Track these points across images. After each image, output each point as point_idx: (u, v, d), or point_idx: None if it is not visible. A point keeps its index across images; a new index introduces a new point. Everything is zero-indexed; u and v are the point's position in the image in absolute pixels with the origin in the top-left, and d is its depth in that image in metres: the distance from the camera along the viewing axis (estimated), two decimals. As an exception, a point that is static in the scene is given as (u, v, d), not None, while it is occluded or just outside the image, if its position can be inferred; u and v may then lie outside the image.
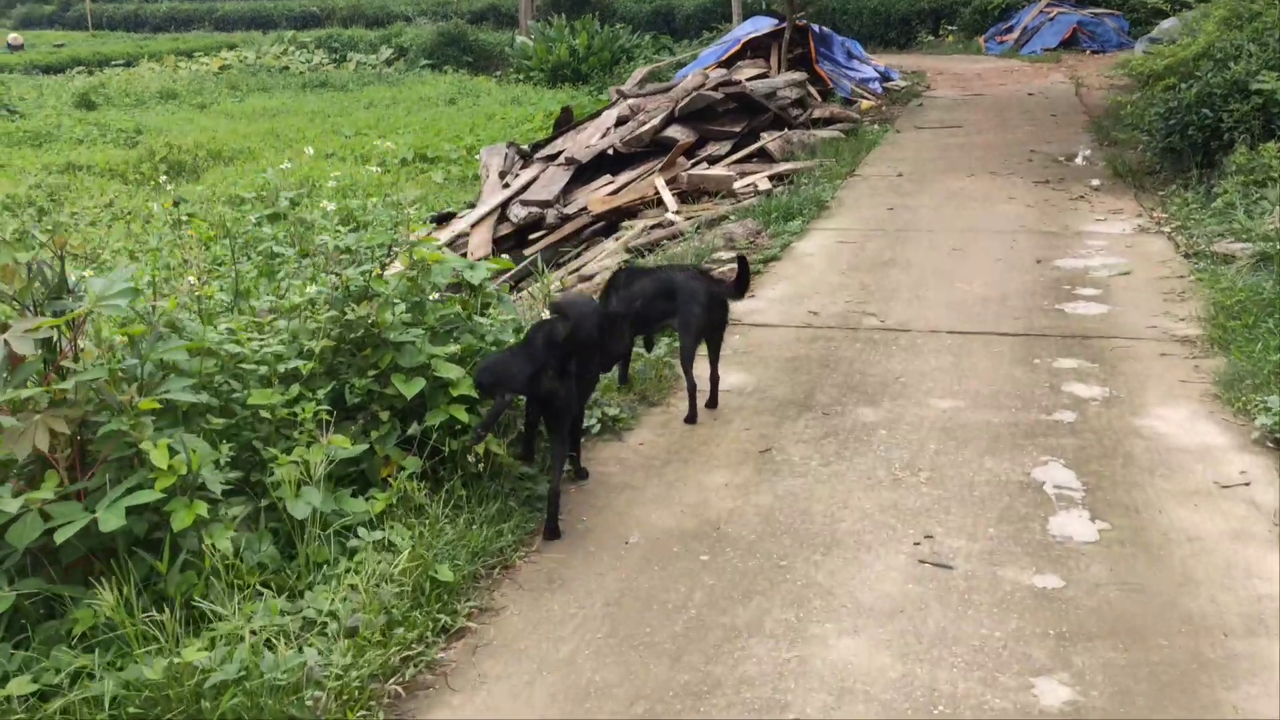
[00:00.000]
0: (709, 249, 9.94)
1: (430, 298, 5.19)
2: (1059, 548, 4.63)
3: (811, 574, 4.49)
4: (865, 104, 19.31)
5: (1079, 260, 9.10)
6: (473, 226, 13.64)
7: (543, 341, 4.83)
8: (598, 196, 13.08)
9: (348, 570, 4.15)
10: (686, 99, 14.68)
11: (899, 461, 5.46)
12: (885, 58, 26.16)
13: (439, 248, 5.75)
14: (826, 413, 6.10)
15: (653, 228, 11.97)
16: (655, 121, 14.32)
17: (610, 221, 12.70)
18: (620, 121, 15.05)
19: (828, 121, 16.99)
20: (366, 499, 4.55)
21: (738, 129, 14.63)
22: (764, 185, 12.44)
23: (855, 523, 4.89)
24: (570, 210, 13.22)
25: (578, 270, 11.43)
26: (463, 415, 4.77)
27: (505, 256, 12.86)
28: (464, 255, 13.16)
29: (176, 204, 16.46)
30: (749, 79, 16.00)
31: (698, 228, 11.40)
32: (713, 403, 6.24)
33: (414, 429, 4.75)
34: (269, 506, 4.26)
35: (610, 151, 14.21)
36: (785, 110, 16.03)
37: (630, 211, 12.59)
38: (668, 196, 12.37)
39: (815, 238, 10.34)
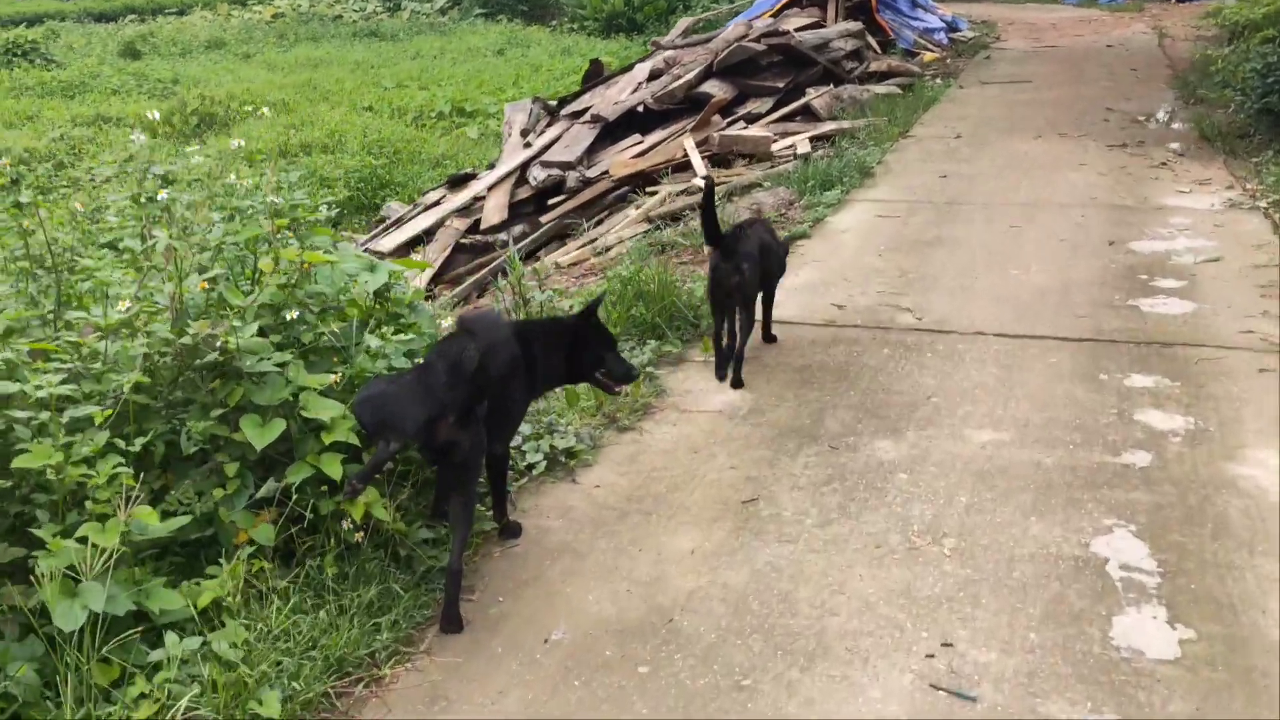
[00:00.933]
0: (731, 221, 8.64)
1: (311, 311, 4.00)
2: (1125, 668, 3.37)
3: (782, 703, 3.28)
4: (928, 56, 17.75)
5: (1158, 242, 7.69)
6: (490, 189, 12.44)
7: (445, 372, 3.63)
8: (621, 159, 11.80)
9: (141, 698, 3.01)
10: (726, 51, 13.29)
11: (919, 521, 4.21)
12: (953, 6, 24.36)
13: (345, 246, 4.56)
14: (835, 446, 4.84)
15: (679, 194, 10.69)
16: (690, 76, 12.97)
17: (636, 187, 11.43)
18: (654, 76, 13.71)
19: (885, 76, 15.52)
20: (203, 583, 3.41)
21: (781, 85, 13.23)
22: (804, 148, 11.08)
23: (852, 617, 3.66)
24: (593, 173, 11.96)
25: (593, 242, 10.21)
26: (335, 469, 3.59)
27: (520, 228, 11.70)
28: (478, 221, 12.03)
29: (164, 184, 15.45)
30: (798, 29, 14.53)
31: (728, 195, 10.11)
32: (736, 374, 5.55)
33: (268, 487, 3.59)
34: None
35: (640, 109, 12.90)
36: (837, 64, 14.58)
37: (655, 176, 11.30)
38: (696, 159, 11.07)
39: (853, 211, 9.00)
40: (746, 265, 5.43)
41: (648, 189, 11.07)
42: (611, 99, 13.35)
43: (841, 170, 9.91)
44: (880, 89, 14.44)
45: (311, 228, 4.23)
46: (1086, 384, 5.40)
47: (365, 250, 12.23)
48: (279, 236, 4.09)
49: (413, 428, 3.55)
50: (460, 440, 3.63)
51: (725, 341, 5.62)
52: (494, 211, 11.90)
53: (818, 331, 6.26)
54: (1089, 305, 6.51)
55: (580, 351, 4.26)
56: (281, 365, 3.74)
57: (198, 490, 3.60)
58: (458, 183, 13.21)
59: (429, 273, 11.28)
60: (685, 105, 12.78)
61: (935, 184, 9.80)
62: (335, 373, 3.81)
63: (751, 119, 12.58)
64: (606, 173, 11.63)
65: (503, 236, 11.67)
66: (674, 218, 9.91)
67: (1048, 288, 6.88)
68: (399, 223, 12.74)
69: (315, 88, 22.39)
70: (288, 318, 3.78)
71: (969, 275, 7.18)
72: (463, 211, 12.40)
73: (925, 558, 3.97)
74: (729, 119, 12.52)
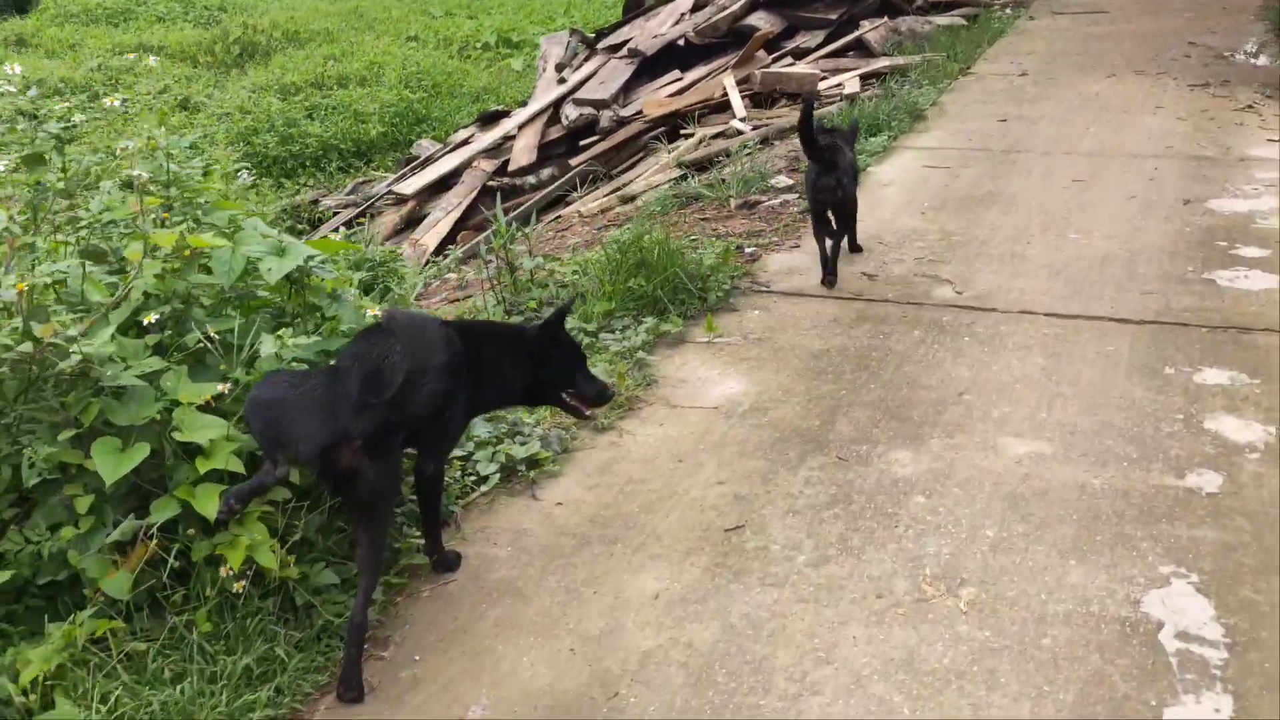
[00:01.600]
0: (763, 172, 7.84)
1: (201, 304, 3.32)
2: (1174, 788, 2.64)
3: (734, 824, 2.59)
4: (997, -15, 16.55)
5: (1241, 201, 6.76)
6: (520, 128, 11.69)
7: (358, 383, 2.94)
8: (655, 98, 10.96)
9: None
10: (775, -21, 12.33)
11: (933, 562, 3.47)
12: (1028, -69, 22.93)
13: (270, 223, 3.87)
14: (844, 457, 4.10)
15: (714, 137, 9.86)
16: (735, 7, 12.04)
17: (671, 127, 10.60)
18: (697, 6, 12.80)
19: (949, 6, 14.44)
20: (32, 650, 2.78)
21: (833, 16, 12.25)
22: (852, 86, 10.16)
23: (837, 698, 2.95)
24: (627, 112, 11.15)
25: (620, 189, 9.44)
26: (210, 505, 2.94)
27: (550, 170, 10.94)
28: (507, 162, 11.29)
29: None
30: (855, -44, 13.50)
31: (764, 139, 9.27)
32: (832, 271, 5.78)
33: (125, 528, 2.94)
34: None
35: (681, 43, 12.02)
36: (898, -7, 13.54)
37: (692, 117, 10.47)
38: (736, 99, 10.21)
39: (899, 160, 8.13)
40: (846, 179, 5.56)
41: (683, 131, 10.25)
42: (651, 31, 12.48)
43: (891, 113, 9.02)
44: (943, 20, 13.41)
45: (217, 202, 3.54)
46: (1148, 379, 4.59)
47: (390, 192, 11.60)
48: (153, 214, 3.41)
49: (307, 451, 2.88)
50: (365, 471, 2.96)
51: (829, 244, 5.78)
52: (523, 152, 11.16)
53: (842, 307, 5.48)
54: (1157, 278, 5.66)
55: (541, 368, 3.54)
56: (156, 374, 3.07)
57: (50, 525, 2.97)
58: (489, 121, 12.47)
59: (451, 218, 10.60)
60: (729, 39, 11.90)
61: (993, 129, 8.87)
62: (224, 382, 3.13)
63: (800, 54, 11.66)
64: (640, 112, 10.81)
65: (531, 179, 10.96)
66: (708, 163, 9.12)
67: (1110, 256, 6.02)
68: (428, 162, 12.05)
69: (361, 16, 21.64)
70: (154, 317, 3.10)
71: (1021, 240, 6.33)
72: (492, 152, 11.68)
73: (936, 614, 3.24)
74: (775, 54, 11.62)
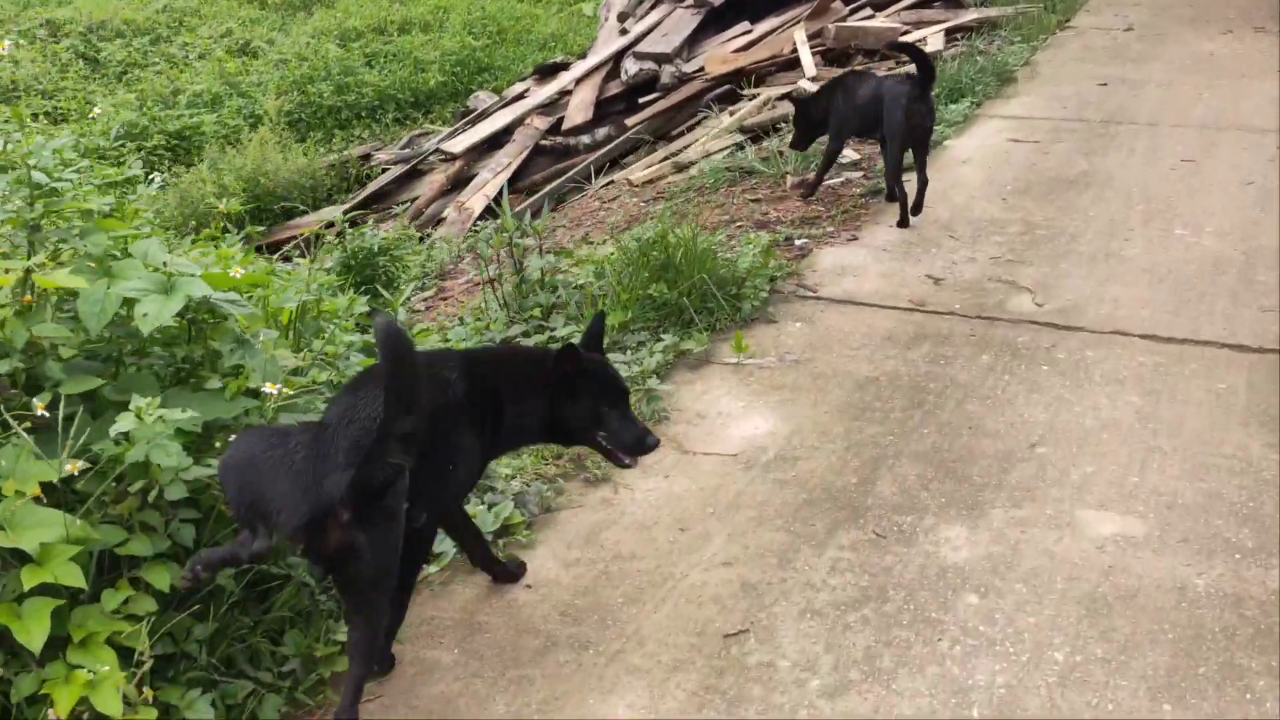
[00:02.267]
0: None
1: (64, 354, 2.62)
2: None
3: None
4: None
5: (1380, 191, 5.77)
6: (577, 83, 10.88)
7: (348, 446, 2.35)
8: (720, 53, 10.06)
9: None
10: (858, -78, 11.28)
11: (982, 700, 2.68)
12: None
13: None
14: (882, 532, 3.30)
15: (781, 98, 8.96)
16: (813, -47, 11.04)
17: (737, 86, 9.71)
18: (772, -49, 11.80)
19: (1050, -50, 13.24)
20: None
21: (921, -38, 11.19)
22: (935, 43, 9.16)
23: None
24: (690, 68, 10.27)
25: (675, 155, 8.62)
26: (35, 632, 2.26)
27: (606, 130, 10.14)
28: (560, 120, 10.51)
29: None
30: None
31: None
32: (917, 208, 5.74)
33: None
34: None
35: (751, -8, 11.08)
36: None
37: (759, 75, 9.57)
38: (806, 56, 9.28)
39: (981, 131, 7.20)
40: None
41: (745, 92, 9.37)
42: (723, -22, 11.52)
43: (976, 75, 8.06)
44: (1042, -34, 12.24)
45: (100, 222, 2.84)
46: (1269, 432, 3.72)
47: (438, 150, 10.88)
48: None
49: (289, 523, 2.23)
50: (361, 546, 2.31)
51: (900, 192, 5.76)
52: (578, 110, 10.36)
53: (899, 320, 4.65)
54: None
55: (559, 405, 2.84)
56: (-14, 451, 2.40)
57: None
58: (547, 74, 11.67)
59: (500, 180, 9.87)
60: (805, -14, 10.91)
61: (1091, 94, 7.87)
62: (74, 460, 2.44)
63: (880, 5, 10.64)
64: (703, 69, 9.93)
65: (585, 139, 10.18)
66: (773, 128, 8.25)
67: (1224, 259, 5.10)
68: (484, 116, 11.30)
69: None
70: (51, 360, 2.41)
71: (1118, 234, 5.42)
72: (547, 108, 10.89)
73: (982, 782, 2.47)
74: (853, 5, 10.61)
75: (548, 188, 9.56)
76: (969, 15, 10.12)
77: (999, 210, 5.80)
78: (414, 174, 10.98)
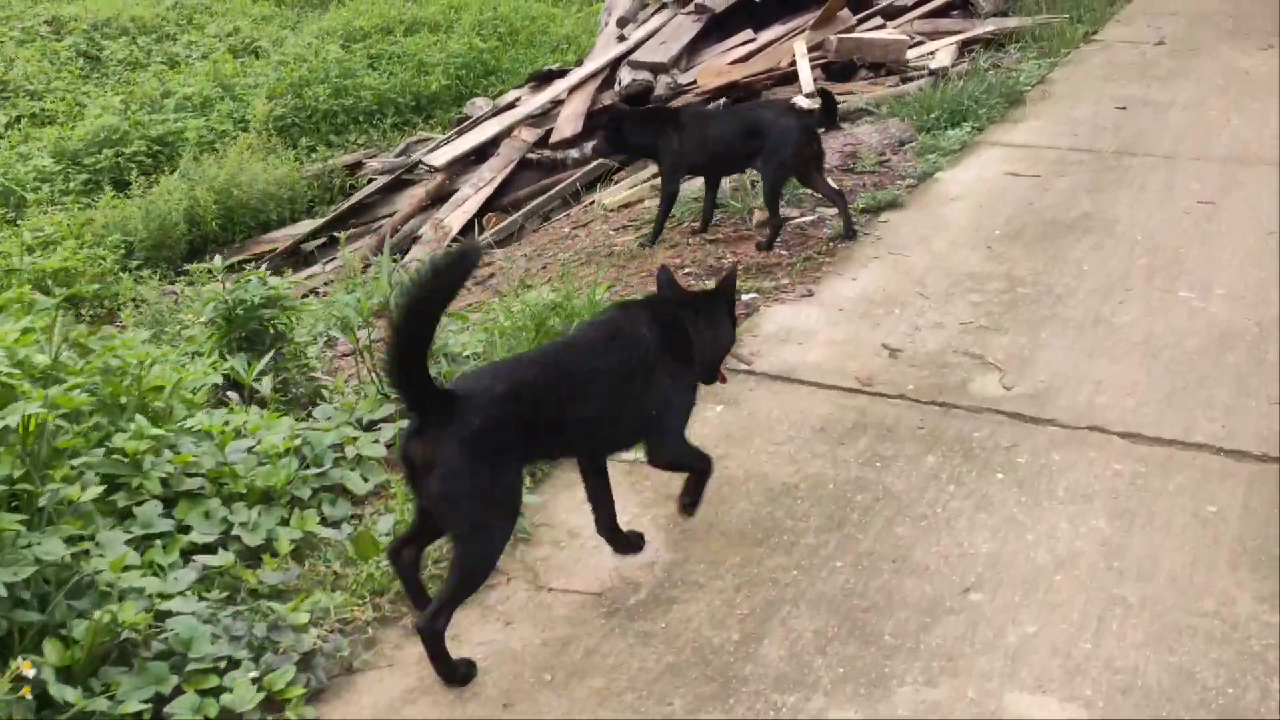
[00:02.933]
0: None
1: None
2: None
3: None
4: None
5: None
6: (570, 92, 10.19)
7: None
8: (713, 65, 9.33)
9: None
10: (874, -77, 10.48)
11: None
12: None
13: None
14: (757, 715, 2.60)
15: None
16: (823, -44, 10.26)
17: (735, 99, 8.98)
18: (782, -46, 11.03)
19: (1086, -48, 12.36)
20: None
21: (938, -33, 10.37)
22: (944, 57, 8.36)
23: None
24: (688, 78, 9.56)
25: (654, 178, 7.92)
26: None
27: (595, 143, 9.43)
28: (550, 132, 9.85)
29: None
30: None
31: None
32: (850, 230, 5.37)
33: None
34: None
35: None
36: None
37: (755, 88, 8.83)
38: (804, 70, 8.52)
39: (979, 161, 6.43)
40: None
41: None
42: (730, -19, 10.77)
43: (982, 95, 7.27)
44: (1075, -30, 11.37)
45: None
46: (1261, 576, 2.97)
47: (421, 163, 10.23)
48: None
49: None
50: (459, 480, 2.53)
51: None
52: (567, 122, 9.68)
53: (838, 405, 3.92)
54: (1297, 376, 3.97)
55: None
56: None
57: None
58: (543, 81, 10.98)
59: (481, 196, 9.23)
60: (813, -9, 10.14)
61: (1108, 119, 7.07)
62: None
63: (892, 13, 9.85)
64: (697, 81, 9.22)
65: (574, 153, 9.49)
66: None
67: (1233, 330, 4.33)
68: (475, 125, 10.65)
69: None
70: None
71: (1113, 295, 4.66)
72: (539, 118, 10.21)
73: None
74: (865, 12, 9.83)
75: (529, 205, 8.92)
76: (986, 26, 9.32)
77: (982, 261, 5.05)
78: (399, 185, 10.35)
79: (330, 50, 13.64)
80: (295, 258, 9.67)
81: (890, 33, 9.04)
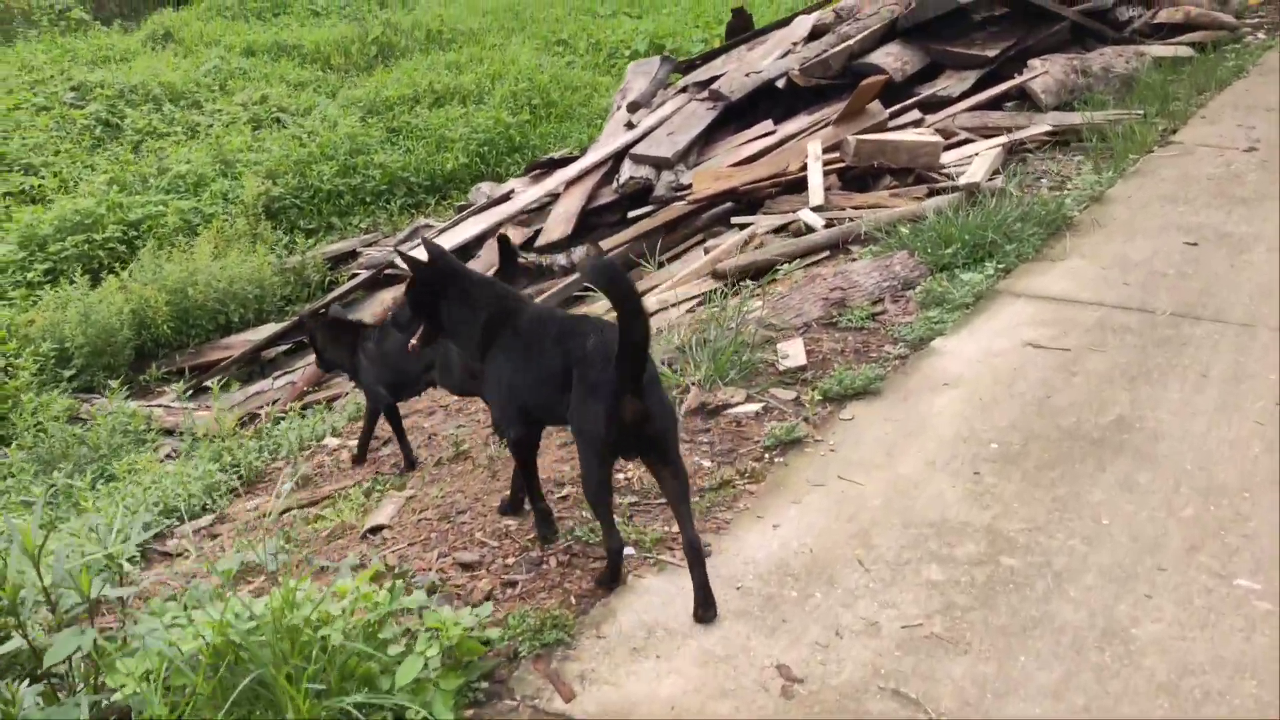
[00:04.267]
0: (775, 326, 4.90)
1: None
2: None
3: None
4: (1252, -2, 12.64)
5: None
6: (568, 186, 8.92)
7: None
8: (711, 168, 7.97)
9: None
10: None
11: None
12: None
13: None
14: None
15: (779, 229, 6.87)
16: (858, 39, 8.86)
17: (744, 204, 7.62)
18: (816, 34, 9.65)
19: (1177, 29, 10.80)
20: None
21: (993, 52, 8.88)
22: (979, 169, 6.87)
23: None
24: (689, 178, 8.21)
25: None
26: None
27: (583, 249, 8.13)
28: (538, 233, 8.59)
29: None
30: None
31: (834, 245, 6.26)
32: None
33: None
34: None
35: (780, 83, 8.94)
36: (1102, 14, 10.01)
37: (758, 196, 7.46)
38: (815, 177, 7.11)
39: (994, 322, 4.95)
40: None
41: (734, 223, 7.28)
42: (750, 64, 9.43)
43: (1012, 223, 5.80)
44: (1160, 50, 9.85)
45: None
46: None
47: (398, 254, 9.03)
48: None
49: None
50: None
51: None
52: (557, 223, 8.42)
53: (676, 797, 2.51)
54: None
55: None
56: None
57: None
58: (545, 170, 9.75)
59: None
60: (846, 81, 8.73)
61: (1170, 260, 5.54)
62: None
63: (933, 105, 8.40)
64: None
65: (561, 260, 8.20)
66: (760, 273, 6.19)
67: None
68: (465, 218, 9.44)
69: (517, 15, 19.17)
70: None
71: (1135, 581, 3.16)
72: (534, 213, 8.97)
73: None
74: (904, 103, 8.40)
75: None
76: (1043, 124, 7.80)
77: (961, 500, 3.59)
78: (386, 282, 9.19)
79: (345, 124, 12.60)
80: (253, 366, 8.54)
81: (921, 133, 7.58)
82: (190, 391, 8.03)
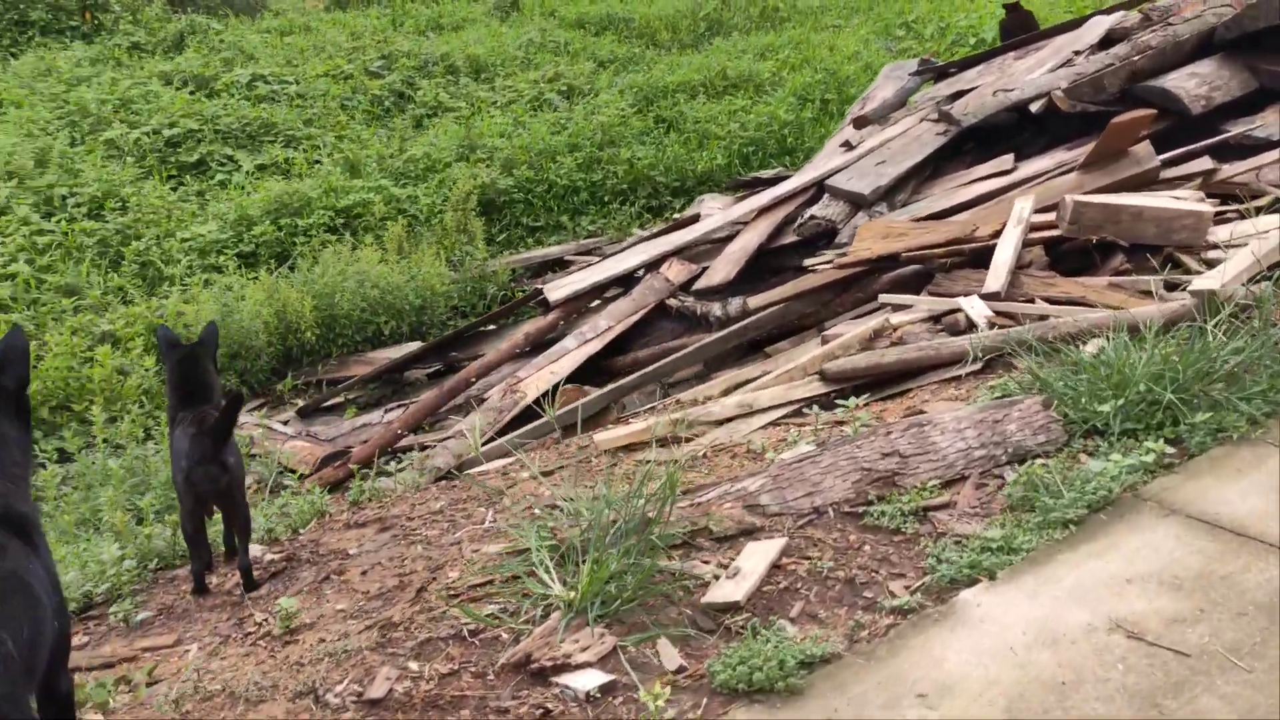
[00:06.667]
0: (763, 501, 3.24)
1: None
2: None
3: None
4: None
5: None
6: (758, 214, 7.31)
7: None
8: (881, 224, 6.04)
9: None
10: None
11: None
12: None
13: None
14: None
15: (936, 319, 5.00)
16: (1153, 50, 6.51)
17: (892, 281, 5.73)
18: (1110, 40, 7.30)
19: None
20: None
21: (1353, 77, 6.23)
22: (1236, 266, 4.57)
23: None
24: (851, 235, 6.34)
25: (729, 393, 5.03)
26: None
27: (740, 301, 6.51)
28: (704, 270, 7.11)
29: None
30: None
31: (993, 352, 4.39)
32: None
33: None
34: None
35: (1034, 108, 6.76)
36: None
37: (928, 265, 5.52)
38: (1005, 249, 5.10)
39: (1091, 564, 2.97)
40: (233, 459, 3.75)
41: (885, 299, 5.43)
42: (1015, 76, 7.29)
43: (1239, 367, 3.68)
44: None
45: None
46: None
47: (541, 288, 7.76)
48: None
49: None
50: None
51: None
52: (724, 262, 6.90)
53: None
54: None
55: None
56: None
57: None
58: (745, 188, 8.15)
59: (580, 355, 6.71)
60: (1126, 105, 6.45)
61: None
62: None
63: (1237, 149, 5.99)
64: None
65: (716, 309, 6.67)
66: (875, 381, 4.49)
67: None
68: (655, 238, 8.06)
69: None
70: None
71: None
72: (720, 243, 7.46)
73: None
74: (1191, 146, 6.05)
75: (629, 378, 6.26)
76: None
77: None
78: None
79: (606, 111, 11.45)
80: (394, 384, 7.69)
81: (1182, 196, 5.28)
82: (310, 409, 7.29)
